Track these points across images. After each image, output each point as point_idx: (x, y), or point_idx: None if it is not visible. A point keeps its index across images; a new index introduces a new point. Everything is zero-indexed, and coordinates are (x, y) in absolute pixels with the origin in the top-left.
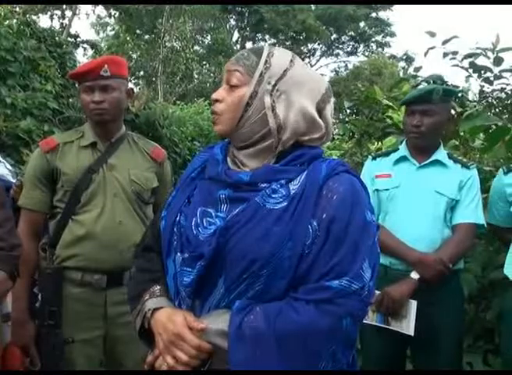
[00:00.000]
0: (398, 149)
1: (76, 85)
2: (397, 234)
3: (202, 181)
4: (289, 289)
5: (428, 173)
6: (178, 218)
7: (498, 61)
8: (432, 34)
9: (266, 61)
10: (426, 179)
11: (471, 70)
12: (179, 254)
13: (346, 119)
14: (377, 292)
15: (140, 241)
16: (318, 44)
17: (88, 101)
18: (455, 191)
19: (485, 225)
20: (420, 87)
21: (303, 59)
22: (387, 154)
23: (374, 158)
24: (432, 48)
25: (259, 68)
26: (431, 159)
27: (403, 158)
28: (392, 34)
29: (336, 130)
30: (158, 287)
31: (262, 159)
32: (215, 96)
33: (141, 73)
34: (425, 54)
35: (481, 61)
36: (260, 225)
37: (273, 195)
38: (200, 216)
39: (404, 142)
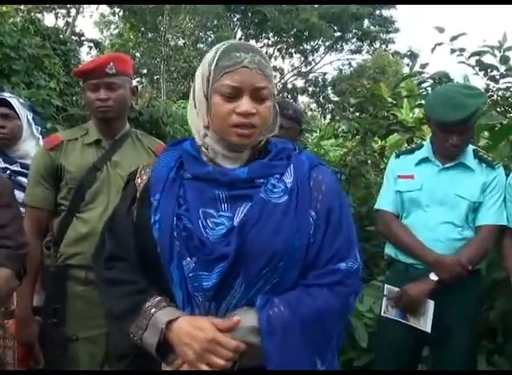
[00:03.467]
0: (422, 146)
1: (80, 83)
2: (418, 235)
3: (189, 181)
4: (299, 278)
5: (451, 175)
6: (175, 222)
7: (504, 59)
8: (441, 30)
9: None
10: (448, 182)
11: (477, 68)
12: (188, 259)
13: (350, 117)
14: (396, 289)
15: (96, 251)
16: (322, 41)
17: (93, 98)
18: (477, 194)
19: (509, 225)
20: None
21: (306, 57)
22: (411, 151)
23: (397, 156)
24: (439, 44)
25: (273, 75)
26: (455, 162)
27: (425, 159)
28: (396, 30)
29: (341, 128)
30: (159, 297)
31: (239, 155)
32: (250, 109)
33: (144, 71)
34: (432, 50)
35: (487, 59)
36: (270, 220)
37: (274, 190)
38: (204, 218)
39: (428, 141)
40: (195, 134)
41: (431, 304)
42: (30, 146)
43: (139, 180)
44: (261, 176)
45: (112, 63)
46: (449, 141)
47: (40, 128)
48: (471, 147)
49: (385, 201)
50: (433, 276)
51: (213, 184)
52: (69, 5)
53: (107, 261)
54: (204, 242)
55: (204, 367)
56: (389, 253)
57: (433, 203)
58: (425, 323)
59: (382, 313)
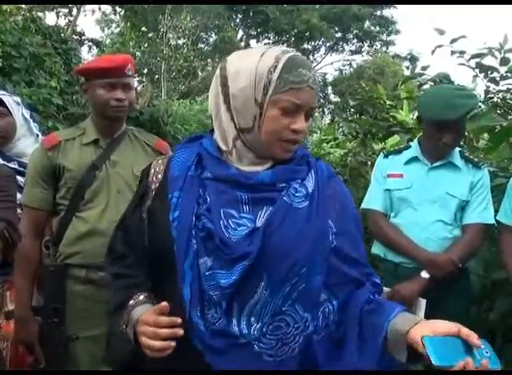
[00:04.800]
0: (410, 147)
1: (80, 81)
2: (408, 234)
3: (210, 182)
4: (323, 284)
5: (440, 174)
6: (194, 221)
7: (505, 61)
8: (441, 32)
9: None
10: (437, 180)
11: (477, 70)
12: (205, 257)
13: (350, 119)
14: (387, 289)
15: (108, 248)
16: (323, 41)
17: (108, 97)
18: (466, 192)
19: (496, 224)
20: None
21: (307, 56)
22: (399, 151)
23: (386, 156)
24: (439, 46)
25: None
26: (444, 161)
27: (414, 159)
28: (397, 32)
29: (340, 130)
30: (144, 294)
31: (265, 161)
32: (304, 128)
33: (145, 70)
34: (433, 52)
35: (488, 61)
36: (293, 224)
37: (296, 194)
38: (225, 218)
39: (416, 141)
40: (218, 134)
41: (423, 302)
42: (27, 144)
43: (154, 178)
44: (283, 180)
45: (129, 64)
46: (443, 140)
47: (38, 126)
48: (457, 148)
49: (373, 201)
50: (425, 274)
51: (235, 186)
52: (70, 4)
53: (116, 258)
54: (226, 242)
55: (145, 349)
56: (377, 253)
57: (423, 202)
58: None
59: None
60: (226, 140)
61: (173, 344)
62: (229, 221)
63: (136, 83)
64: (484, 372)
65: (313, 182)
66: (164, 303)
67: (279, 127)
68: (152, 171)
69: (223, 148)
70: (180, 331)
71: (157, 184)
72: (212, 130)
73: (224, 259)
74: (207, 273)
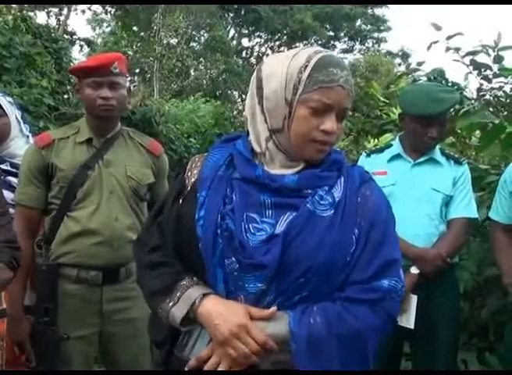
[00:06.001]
0: (391, 145)
1: (72, 81)
2: None
3: (238, 182)
4: (329, 294)
5: (423, 170)
6: (219, 220)
7: (498, 59)
8: (438, 27)
9: None
10: (421, 176)
11: (471, 67)
12: (232, 258)
13: None
14: None
15: (140, 238)
16: (315, 40)
17: (95, 96)
18: (450, 187)
19: (479, 218)
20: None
21: None
22: (381, 150)
23: (368, 155)
24: (435, 42)
25: None
26: (426, 157)
27: (397, 156)
28: (388, 29)
29: None
30: (195, 278)
31: (296, 164)
32: (335, 129)
33: (137, 70)
34: (428, 48)
35: (482, 58)
36: (314, 233)
37: (321, 202)
38: (246, 222)
39: (398, 139)
40: (253, 135)
41: (414, 299)
42: (19, 145)
43: (189, 174)
44: (309, 186)
45: (116, 62)
46: (429, 134)
47: (29, 127)
48: (437, 146)
49: None
50: (414, 270)
51: (260, 188)
52: (62, 4)
53: (151, 250)
54: (244, 246)
55: (231, 351)
56: None
57: (409, 198)
58: (408, 320)
59: None
60: (260, 141)
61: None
62: (250, 225)
63: (127, 83)
64: (484, 372)
65: (341, 190)
66: (274, 308)
67: (308, 127)
68: (189, 167)
69: (257, 149)
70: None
71: (191, 181)
72: (248, 132)
73: (245, 263)
74: (235, 274)
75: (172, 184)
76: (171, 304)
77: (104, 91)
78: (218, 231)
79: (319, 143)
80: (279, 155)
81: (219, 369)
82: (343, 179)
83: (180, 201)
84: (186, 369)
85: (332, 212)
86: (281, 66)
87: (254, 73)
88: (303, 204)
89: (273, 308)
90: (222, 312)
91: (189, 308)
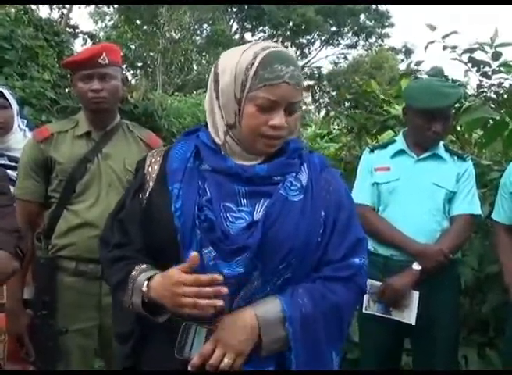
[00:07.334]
0: (395, 141)
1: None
2: (397, 226)
3: (210, 173)
4: (308, 274)
5: (427, 166)
6: (196, 211)
7: (496, 56)
8: (433, 28)
9: None
10: (425, 172)
11: (469, 65)
12: (210, 248)
13: (345, 113)
14: (379, 283)
15: (103, 236)
16: (318, 35)
17: (86, 89)
18: (453, 183)
19: (482, 215)
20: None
21: (302, 50)
22: (384, 146)
23: (371, 151)
24: (431, 43)
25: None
26: (430, 153)
27: (400, 152)
28: (392, 25)
29: (336, 127)
30: (145, 265)
31: (256, 156)
32: (283, 124)
33: (140, 63)
34: (425, 48)
35: (479, 55)
36: (289, 217)
37: (292, 188)
38: (224, 211)
39: (401, 135)
40: (212, 129)
41: (415, 295)
42: (17, 139)
43: (149, 169)
44: (279, 173)
45: (104, 53)
46: (433, 129)
47: (25, 121)
48: (441, 142)
49: (361, 195)
50: (416, 266)
51: (233, 179)
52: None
53: (114, 246)
54: (226, 234)
55: (188, 310)
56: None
57: (412, 193)
58: (409, 316)
59: (364, 310)
60: (218, 134)
61: (220, 303)
62: (228, 214)
63: (120, 75)
64: (484, 372)
65: (306, 175)
66: (195, 253)
67: (257, 124)
68: (148, 162)
69: (217, 141)
70: (224, 289)
71: (154, 176)
72: (207, 124)
73: (225, 251)
74: (210, 263)
75: (131, 181)
76: (128, 297)
77: (94, 84)
78: (196, 222)
79: (269, 138)
80: (237, 148)
81: (225, 359)
82: (305, 165)
83: (145, 195)
84: (189, 368)
85: (302, 196)
86: (232, 62)
87: (212, 68)
88: (276, 190)
89: (194, 254)
90: (162, 283)
91: (143, 297)
